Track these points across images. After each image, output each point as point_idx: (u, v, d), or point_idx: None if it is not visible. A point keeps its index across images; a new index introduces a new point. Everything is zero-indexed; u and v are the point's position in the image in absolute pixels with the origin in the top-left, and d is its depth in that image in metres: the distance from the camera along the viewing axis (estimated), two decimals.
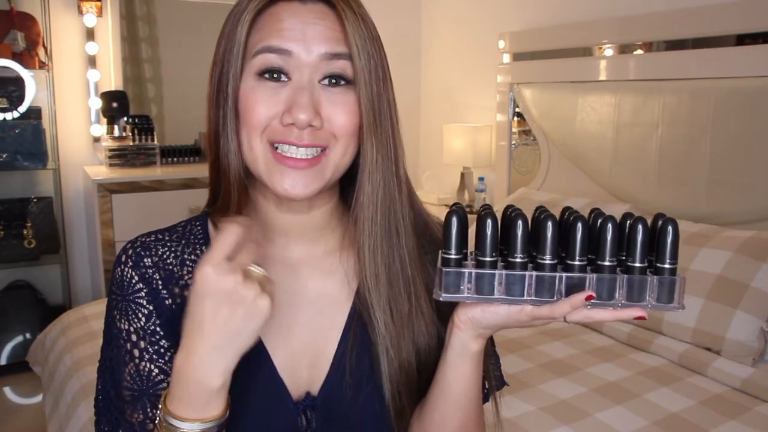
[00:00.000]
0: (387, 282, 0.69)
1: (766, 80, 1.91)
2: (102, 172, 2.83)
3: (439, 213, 0.71)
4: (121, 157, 2.95)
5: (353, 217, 0.70)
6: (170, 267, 0.70)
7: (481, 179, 3.11)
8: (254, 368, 0.68)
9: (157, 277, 0.69)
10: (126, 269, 0.69)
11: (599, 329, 1.89)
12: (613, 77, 2.39)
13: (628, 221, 0.58)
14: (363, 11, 0.65)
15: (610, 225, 0.56)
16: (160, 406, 0.59)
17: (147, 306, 0.68)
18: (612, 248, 0.56)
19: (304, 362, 0.71)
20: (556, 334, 1.86)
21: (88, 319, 1.94)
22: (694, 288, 1.74)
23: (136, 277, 0.69)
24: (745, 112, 1.98)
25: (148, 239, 0.72)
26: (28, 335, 2.81)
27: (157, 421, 0.60)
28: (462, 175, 3.19)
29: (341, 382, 0.70)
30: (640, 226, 0.57)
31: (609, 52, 2.46)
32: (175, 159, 3.14)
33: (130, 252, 0.70)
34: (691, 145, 2.13)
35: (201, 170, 2.97)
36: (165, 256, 0.71)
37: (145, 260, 0.70)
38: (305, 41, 0.62)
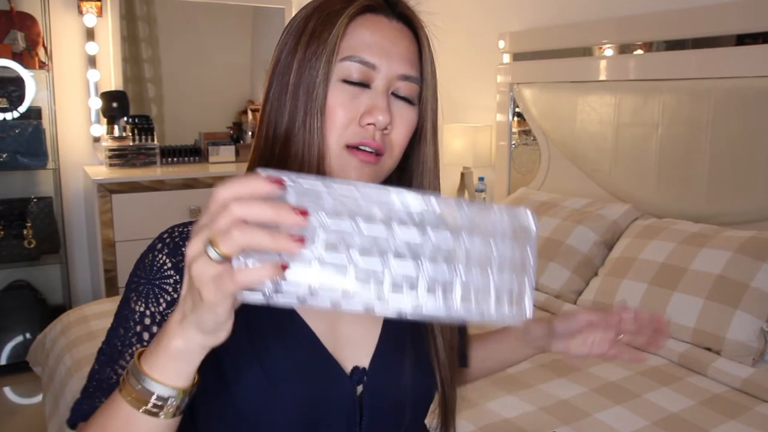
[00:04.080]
0: None
1: (766, 80, 1.91)
2: (102, 172, 2.83)
3: None
4: (121, 157, 2.95)
5: None
6: None
7: (481, 179, 3.11)
8: (301, 346, 0.71)
9: None
10: (160, 255, 0.69)
11: None
12: (613, 77, 2.39)
13: None
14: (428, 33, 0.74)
15: None
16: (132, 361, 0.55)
17: (171, 293, 0.68)
18: None
19: (350, 343, 0.74)
20: None
21: (88, 319, 1.94)
22: (694, 288, 1.74)
23: (169, 264, 0.69)
24: (745, 112, 1.98)
25: (185, 229, 0.72)
26: (28, 335, 2.81)
27: (124, 374, 0.55)
28: (462, 175, 3.19)
29: (389, 355, 0.75)
30: None
31: (609, 52, 2.46)
32: (175, 159, 3.14)
33: (168, 240, 0.70)
34: (691, 145, 2.13)
35: (201, 170, 2.97)
36: None
37: (183, 249, 0.69)
38: (389, 58, 0.69)
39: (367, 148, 0.68)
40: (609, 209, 2.22)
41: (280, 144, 0.70)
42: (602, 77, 2.43)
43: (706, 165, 2.09)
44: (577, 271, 2.10)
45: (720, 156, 2.05)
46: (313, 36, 0.68)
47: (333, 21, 0.67)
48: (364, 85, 0.68)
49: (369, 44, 0.68)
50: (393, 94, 0.70)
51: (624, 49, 2.39)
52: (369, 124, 0.68)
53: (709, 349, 1.68)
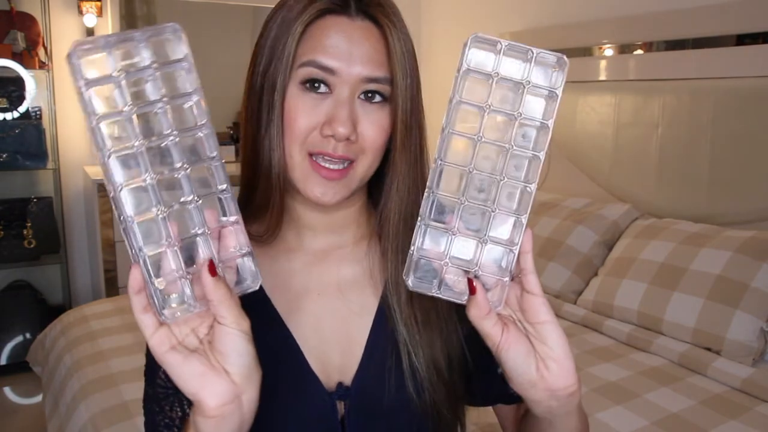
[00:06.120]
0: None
1: (766, 80, 1.91)
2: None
3: None
4: None
5: (379, 218, 0.72)
6: None
7: None
8: (284, 359, 0.69)
9: None
10: None
11: (599, 329, 1.89)
12: (613, 77, 2.39)
13: None
14: (404, 26, 0.67)
15: None
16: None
17: None
18: None
19: (336, 350, 0.71)
20: None
21: (88, 319, 1.94)
22: (694, 288, 1.74)
23: None
24: (745, 112, 1.98)
25: None
26: (28, 335, 2.81)
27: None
28: None
29: (374, 371, 0.70)
30: None
31: (609, 52, 2.46)
32: None
33: None
34: (691, 145, 2.13)
35: None
36: None
37: None
38: (349, 61, 0.64)
39: (329, 165, 0.65)
40: (609, 209, 2.22)
41: (249, 150, 0.69)
42: (602, 77, 2.43)
43: (706, 165, 2.08)
44: (577, 271, 2.10)
45: (720, 156, 2.05)
46: (272, 44, 0.67)
47: (290, 26, 0.65)
48: (326, 91, 0.65)
49: (327, 47, 0.64)
50: (362, 97, 0.66)
51: (624, 49, 2.39)
52: (328, 135, 0.64)
53: (709, 349, 1.68)
